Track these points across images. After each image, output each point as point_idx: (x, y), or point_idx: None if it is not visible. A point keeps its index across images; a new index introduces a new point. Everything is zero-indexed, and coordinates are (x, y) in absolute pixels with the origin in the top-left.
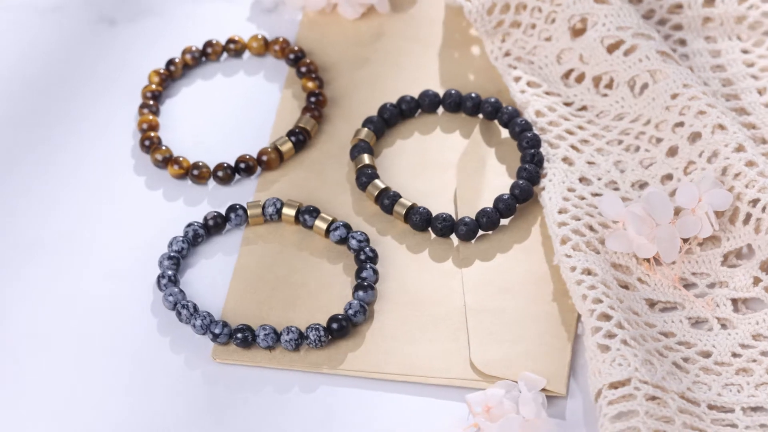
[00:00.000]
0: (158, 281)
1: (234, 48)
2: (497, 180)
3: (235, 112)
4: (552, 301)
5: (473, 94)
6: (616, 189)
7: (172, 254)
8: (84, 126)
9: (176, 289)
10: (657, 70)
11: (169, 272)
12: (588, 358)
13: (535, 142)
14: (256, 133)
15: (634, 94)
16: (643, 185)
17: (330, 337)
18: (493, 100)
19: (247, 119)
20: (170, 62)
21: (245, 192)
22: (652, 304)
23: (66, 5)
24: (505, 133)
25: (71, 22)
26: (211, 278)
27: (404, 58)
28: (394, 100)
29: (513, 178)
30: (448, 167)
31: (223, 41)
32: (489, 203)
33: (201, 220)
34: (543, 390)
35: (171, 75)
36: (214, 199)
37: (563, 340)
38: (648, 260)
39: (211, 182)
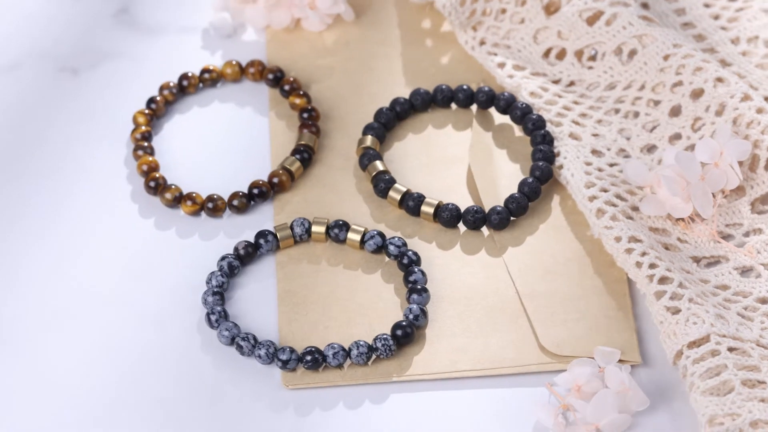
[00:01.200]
0: (208, 319)
1: (209, 77)
2: (508, 166)
3: (227, 141)
4: (596, 275)
5: (465, 86)
6: (627, 156)
7: (215, 290)
8: (74, 179)
9: (230, 323)
10: (643, 35)
11: (218, 308)
12: (658, 322)
13: (541, 123)
14: (255, 158)
15: (621, 61)
16: (651, 148)
17: (397, 344)
18: (486, 89)
19: (241, 146)
20: (151, 101)
21: (260, 218)
22: (696, 261)
23: (24, 62)
24: (499, 119)
25: (33, 77)
26: (255, 307)
27: (378, 62)
28: (379, 104)
29: (523, 161)
30: (454, 161)
31: (187, 73)
32: (508, 190)
33: (232, 252)
34: (619, 361)
35: (155, 113)
36: (231, 229)
37: (622, 310)
38: (683, 219)
39: (225, 213)
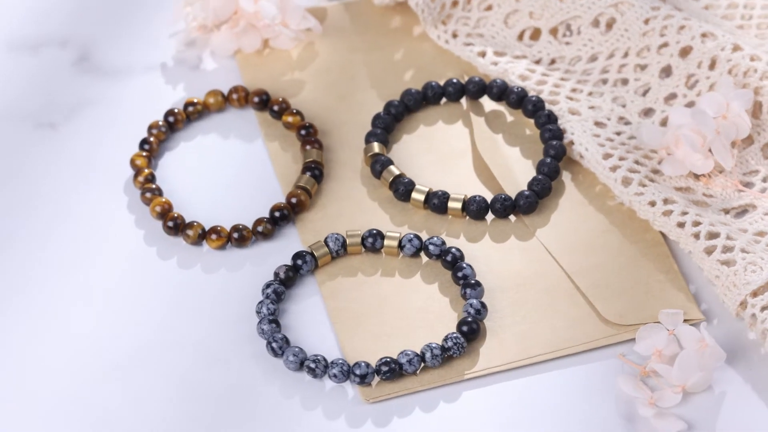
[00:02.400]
0: (270, 348)
1: (195, 110)
2: (514, 151)
3: (228, 171)
4: (633, 242)
5: (454, 80)
6: (627, 123)
7: (270, 318)
8: (80, 234)
9: (296, 348)
10: (619, 2)
11: (278, 335)
12: (713, 277)
13: (541, 103)
14: (261, 183)
15: (600, 32)
16: (648, 112)
17: (466, 341)
18: (477, 79)
19: (243, 173)
20: (144, 142)
21: (285, 241)
22: (726, 212)
23: None
24: (490, 107)
25: (11, 137)
26: (309, 329)
27: (355, 69)
28: (369, 111)
29: (526, 144)
30: (460, 155)
31: (173, 110)
32: (523, 174)
33: (273, 278)
34: (684, 321)
35: (151, 153)
36: (256, 257)
37: (670, 272)
38: (704, 175)
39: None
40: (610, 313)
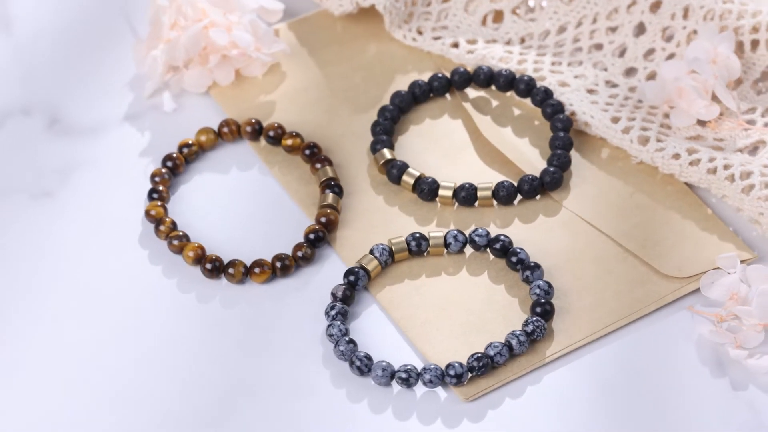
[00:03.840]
0: (355, 367)
1: (191, 151)
2: (520, 131)
3: (242, 205)
4: (662, 197)
5: (439, 74)
6: (615, 85)
7: (347, 339)
8: (112, 295)
9: (383, 362)
10: None
11: (360, 354)
12: (757, 215)
13: (533, 81)
14: (279, 210)
15: (564, 2)
16: (630, 71)
17: (546, 323)
18: (461, 70)
19: (257, 204)
20: (153, 191)
21: (324, 263)
22: (740, 152)
23: None
24: (473, 94)
25: (11, 211)
26: (379, 342)
27: (331, 82)
28: (361, 120)
29: (520, 122)
30: (462, 147)
31: (171, 154)
32: (534, 153)
33: (333, 300)
34: (741, 262)
35: (164, 201)
36: (299, 284)
37: (708, 219)
38: (710, 122)
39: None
40: (668, 268)
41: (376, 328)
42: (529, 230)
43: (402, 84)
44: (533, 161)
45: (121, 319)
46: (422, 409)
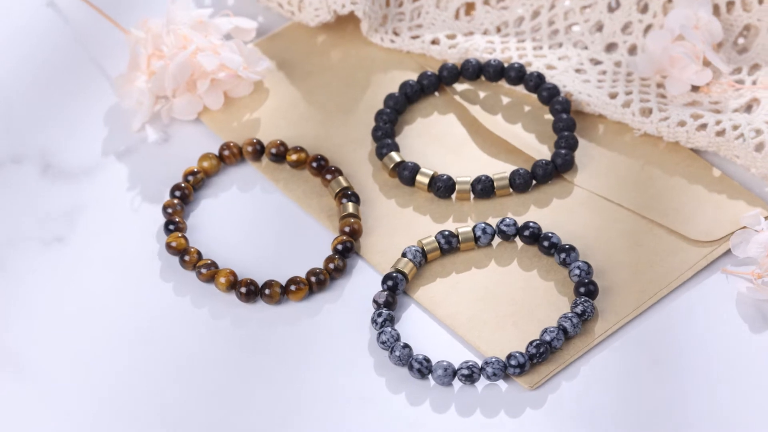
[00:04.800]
0: (415, 371)
1: (197, 179)
2: (513, 118)
3: (259, 225)
4: (670, 167)
5: (428, 72)
6: (599, 63)
7: (401, 344)
8: (145, 332)
9: (443, 362)
10: None
11: (419, 357)
12: None
13: (523, 68)
14: (296, 225)
15: None
16: (611, 46)
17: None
18: (450, 65)
19: (273, 222)
20: (169, 223)
21: (351, 274)
22: (737, 112)
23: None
24: (461, 87)
25: (24, 259)
26: (429, 342)
27: (319, 93)
28: (353, 128)
29: (515, 109)
30: (463, 141)
31: (179, 184)
32: (535, 138)
33: (377, 307)
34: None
35: (182, 231)
36: (332, 297)
37: (721, 181)
38: (702, 87)
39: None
40: (696, 234)
41: (421, 330)
42: (550, 214)
43: (388, 86)
44: (537, 146)
45: (159, 355)
46: (485, 403)
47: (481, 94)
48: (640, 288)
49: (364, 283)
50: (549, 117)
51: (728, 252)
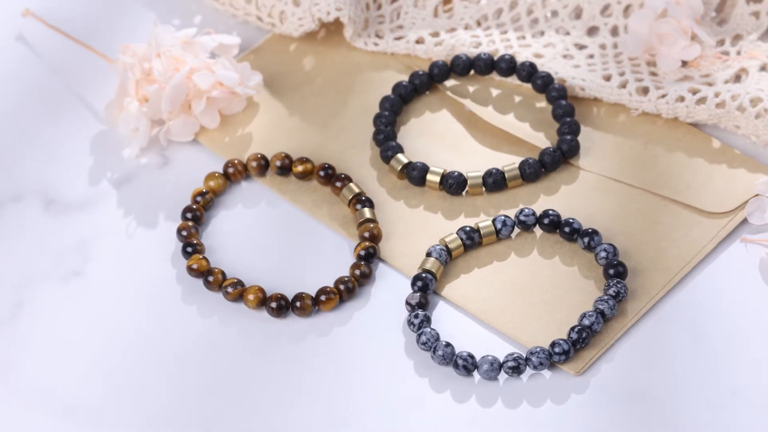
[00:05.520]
0: (461, 368)
1: (207, 199)
2: (510, 109)
3: (275, 239)
4: (672, 144)
5: (420, 72)
6: (584, 47)
7: (443, 343)
8: (179, 354)
9: (488, 356)
10: None
11: (463, 353)
12: None
13: (514, 60)
14: (313, 235)
15: None
16: (592, 30)
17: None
18: (440, 62)
19: (289, 235)
20: (187, 245)
21: (373, 278)
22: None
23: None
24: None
25: (46, 296)
26: (467, 338)
27: (311, 102)
28: (351, 134)
29: (506, 100)
30: (462, 137)
31: (191, 206)
32: (533, 128)
33: (411, 309)
34: None
35: (201, 253)
36: (358, 303)
37: (724, 152)
38: (691, 62)
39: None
40: (711, 206)
41: (455, 327)
42: (563, 201)
43: (378, 89)
44: (538, 135)
45: (197, 379)
46: (530, 393)
47: (471, 89)
48: (665, 265)
49: (388, 286)
50: (541, 105)
51: (744, 221)
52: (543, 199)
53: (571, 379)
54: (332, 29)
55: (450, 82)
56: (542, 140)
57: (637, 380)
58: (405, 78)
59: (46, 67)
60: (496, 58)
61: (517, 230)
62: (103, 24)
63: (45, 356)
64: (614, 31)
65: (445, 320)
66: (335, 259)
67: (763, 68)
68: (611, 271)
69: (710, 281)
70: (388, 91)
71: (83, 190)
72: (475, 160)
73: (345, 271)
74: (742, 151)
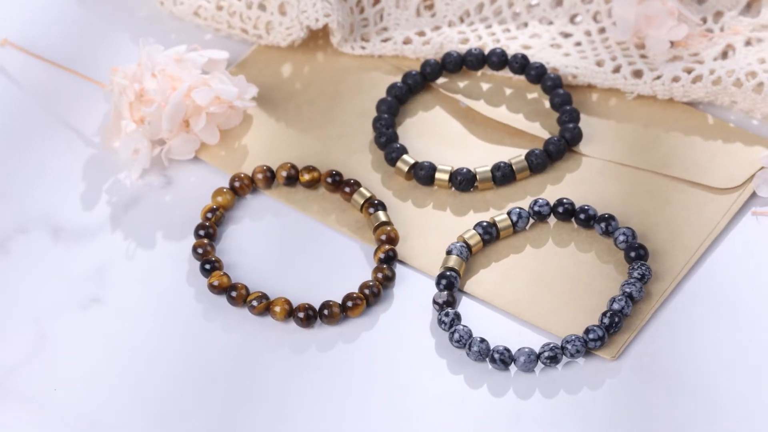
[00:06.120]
0: (500, 362)
1: (218, 215)
2: (501, 102)
3: (290, 251)
4: (670, 124)
5: (413, 72)
6: (569, 35)
7: (478, 339)
8: (212, 375)
9: (525, 348)
10: None
11: (499, 347)
12: None
13: (505, 54)
14: (329, 243)
15: None
16: (574, 17)
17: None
18: (432, 61)
19: (304, 244)
20: (205, 263)
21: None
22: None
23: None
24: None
25: (68, 324)
26: (498, 332)
27: (307, 111)
28: (351, 140)
29: (496, 93)
30: (461, 133)
31: (203, 224)
32: (531, 119)
33: (439, 308)
34: None
35: (221, 269)
36: (382, 307)
37: (723, 128)
38: (678, 42)
39: None
40: (720, 181)
41: (482, 322)
42: (572, 189)
43: (371, 93)
44: (532, 125)
45: (231, 396)
46: (567, 381)
47: (461, 84)
48: (683, 243)
49: (410, 287)
50: (533, 96)
51: (752, 195)
52: (552, 188)
53: (605, 364)
54: (318, 35)
55: (441, 80)
56: (540, 130)
57: (669, 360)
58: (395, 79)
59: (28, 96)
60: (486, 52)
61: (531, 221)
62: (78, 48)
63: (75, 385)
64: (596, 16)
65: (471, 316)
66: (351, 264)
67: (748, 43)
68: (632, 254)
69: (726, 256)
70: (381, 94)
71: (88, 217)
72: (478, 155)
73: (363, 277)
74: (738, 126)
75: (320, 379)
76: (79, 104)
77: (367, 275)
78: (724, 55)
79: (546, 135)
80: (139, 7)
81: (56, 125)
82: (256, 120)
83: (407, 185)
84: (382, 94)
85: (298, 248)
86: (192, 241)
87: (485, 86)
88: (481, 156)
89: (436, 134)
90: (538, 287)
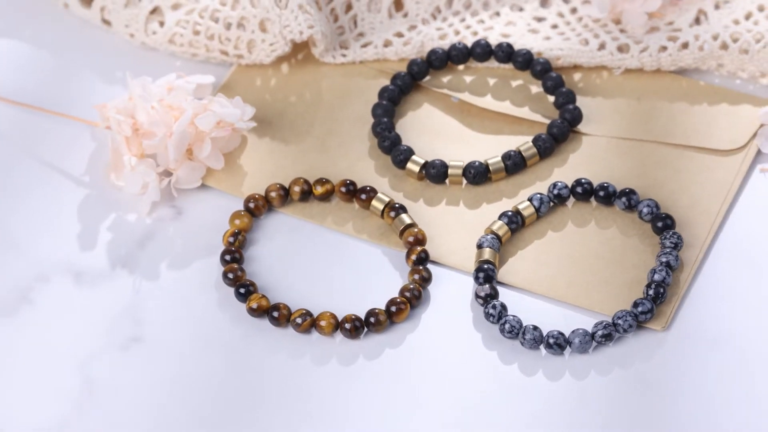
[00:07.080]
0: (553, 346)
1: (241, 240)
2: (486, 91)
3: (318, 265)
4: (664, 93)
5: (402, 73)
6: (543, 19)
7: (531, 326)
8: (262, 392)
9: (580, 330)
10: None
11: (554, 332)
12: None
13: (489, 45)
14: (354, 253)
15: None
16: (544, 2)
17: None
18: (418, 60)
19: (330, 257)
20: (240, 287)
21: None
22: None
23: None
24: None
25: (105, 364)
26: (545, 318)
27: (302, 124)
28: (351, 148)
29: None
30: (458, 128)
31: (229, 249)
32: (526, 105)
33: (484, 301)
34: None
35: (256, 290)
36: (420, 308)
37: (716, 92)
38: (654, 13)
39: None
40: (724, 144)
41: (526, 310)
42: (582, 168)
43: (360, 98)
44: (533, 110)
45: (286, 418)
46: (619, 357)
47: (445, 80)
48: (702, 209)
49: (444, 285)
50: (518, 82)
51: (757, 153)
52: (561, 170)
53: (654, 336)
54: (297, 49)
55: (427, 78)
56: (535, 115)
57: (714, 325)
58: (380, 83)
59: (6, 142)
60: (470, 45)
61: (551, 205)
62: (46, 89)
63: (128, 428)
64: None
65: (512, 306)
66: (379, 271)
67: (717, 6)
68: (660, 224)
69: (743, 215)
70: (370, 99)
71: (106, 258)
72: (481, 147)
73: (393, 282)
74: (731, 88)
75: (374, 388)
76: (59, 145)
77: (396, 280)
78: (697, 21)
79: (542, 119)
80: (100, 43)
81: (40, 169)
82: (252, 140)
83: (418, 185)
84: (372, 99)
85: (324, 261)
86: (214, 267)
87: (468, 78)
88: (484, 147)
89: (435, 132)
90: (572, 269)
